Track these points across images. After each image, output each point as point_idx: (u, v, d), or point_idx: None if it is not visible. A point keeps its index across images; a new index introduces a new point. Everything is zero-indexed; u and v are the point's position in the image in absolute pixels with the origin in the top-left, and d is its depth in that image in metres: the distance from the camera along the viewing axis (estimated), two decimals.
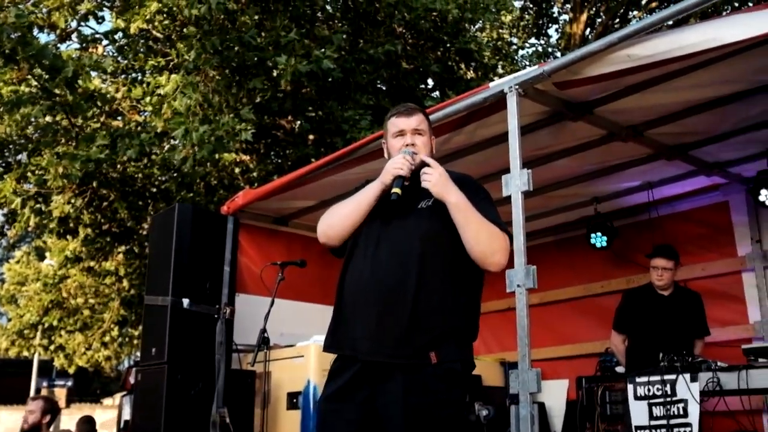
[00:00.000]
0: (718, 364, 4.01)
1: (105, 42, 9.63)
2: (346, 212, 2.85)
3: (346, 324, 2.71)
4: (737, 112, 4.69)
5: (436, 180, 2.67)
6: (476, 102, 4.35)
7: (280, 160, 10.41)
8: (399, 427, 2.52)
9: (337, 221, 2.87)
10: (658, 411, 4.11)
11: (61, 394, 29.30)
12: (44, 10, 8.59)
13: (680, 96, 4.48)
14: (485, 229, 2.66)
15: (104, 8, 9.20)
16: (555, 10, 16.59)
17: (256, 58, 7.87)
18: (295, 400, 5.30)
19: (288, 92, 8.75)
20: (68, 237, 10.39)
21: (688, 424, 3.87)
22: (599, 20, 15.88)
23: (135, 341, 18.45)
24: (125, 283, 13.70)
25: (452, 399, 2.61)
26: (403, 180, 2.72)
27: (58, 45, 9.07)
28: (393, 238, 2.73)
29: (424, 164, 2.77)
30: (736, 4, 11.58)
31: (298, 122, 9.81)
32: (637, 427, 4.20)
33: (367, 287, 2.68)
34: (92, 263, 13.31)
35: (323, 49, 7.87)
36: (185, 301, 5.33)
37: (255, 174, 10.05)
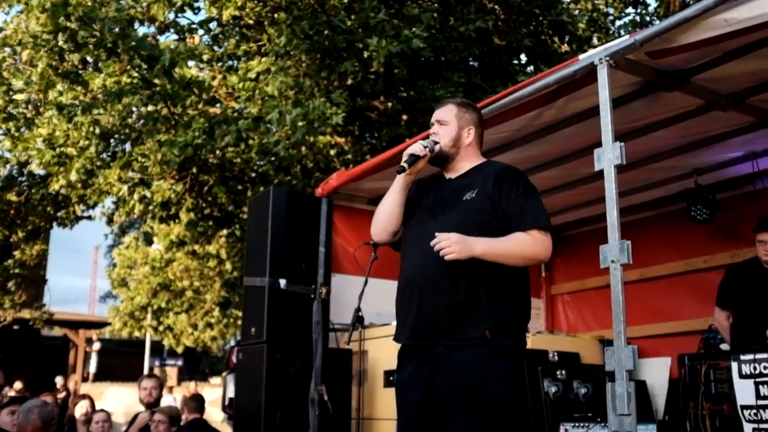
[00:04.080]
0: None
1: (201, 32, 9.90)
2: (381, 206, 3.31)
3: None
4: None
5: (458, 250, 2.90)
6: (566, 75, 4.24)
7: (374, 141, 10.47)
8: None
9: (376, 216, 3.31)
10: (765, 390, 3.96)
11: (171, 373, 30.47)
12: (144, 4, 8.88)
13: None
14: (518, 253, 3.03)
15: None
16: None
17: (345, 42, 7.92)
18: (392, 378, 5.34)
19: (379, 73, 8.78)
20: (170, 222, 10.77)
21: None
22: None
23: (239, 322, 19.04)
24: (228, 266, 14.16)
25: None
26: (416, 158, 3.17)
27: (158, 37, 9.37)
28: (437, 230, 3.00)
29: (440, 153, 3.22)
30: None
31: (390, 103, 9.84)
32: (742, 407, 4.05)
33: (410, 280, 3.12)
34: (196, 247, 13.82)
35: (413, 29, 7.85)
36: (282, 282, 5.44)
37: (350, 156, 10.13)
